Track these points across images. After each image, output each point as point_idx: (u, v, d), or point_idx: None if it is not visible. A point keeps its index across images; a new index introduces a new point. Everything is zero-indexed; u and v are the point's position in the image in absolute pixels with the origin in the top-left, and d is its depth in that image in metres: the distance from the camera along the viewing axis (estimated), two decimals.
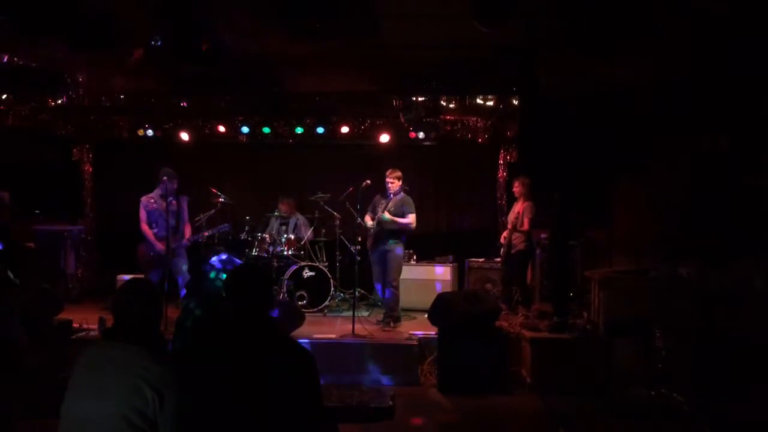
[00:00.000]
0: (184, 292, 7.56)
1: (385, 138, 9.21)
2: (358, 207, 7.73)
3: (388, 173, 7.69)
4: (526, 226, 7.67)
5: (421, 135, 9.01)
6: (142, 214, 7.50)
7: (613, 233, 7.62)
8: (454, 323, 6.50)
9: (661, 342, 5.83)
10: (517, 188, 7.96)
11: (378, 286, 7.90)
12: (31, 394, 4.49)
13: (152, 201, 7.49)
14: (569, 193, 6.94)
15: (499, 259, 8.24)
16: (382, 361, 6.63)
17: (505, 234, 7.94)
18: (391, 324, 7.54)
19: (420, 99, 8.49)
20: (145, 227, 7.50)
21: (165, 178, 7.31)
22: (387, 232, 7.57)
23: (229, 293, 2.74)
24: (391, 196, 7.67)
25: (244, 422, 2.49)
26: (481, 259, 8.81)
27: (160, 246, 7.33)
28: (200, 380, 2.58)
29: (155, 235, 7.43)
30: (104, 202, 10.01)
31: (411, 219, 7.58)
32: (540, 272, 8.23)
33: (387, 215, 7.49)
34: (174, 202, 7.41)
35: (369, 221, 7.77)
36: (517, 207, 7.87)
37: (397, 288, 7.67)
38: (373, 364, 6.62)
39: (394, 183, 7.65)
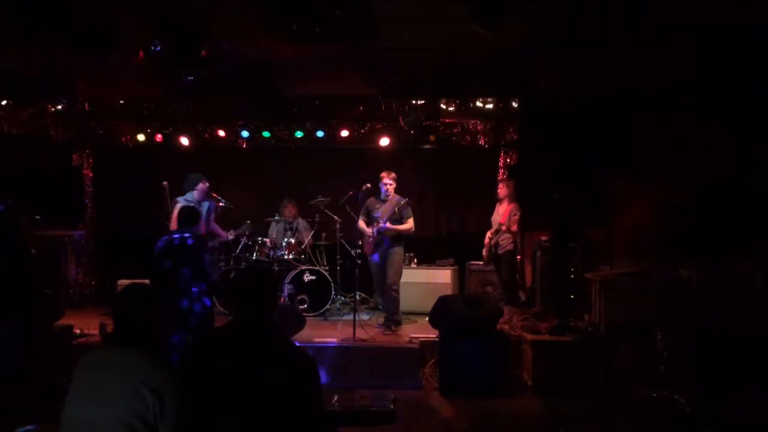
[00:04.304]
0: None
1: (385, 141, 9.20)
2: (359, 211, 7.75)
3: (384, 175, 7.67)
4: (515, 227, 7.70)
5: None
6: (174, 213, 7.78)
7: (614, 235, 7.60)
8: (455, 326, 6.50)
9: (662, 343, 5.83)
10: (502, 190, 7.98)
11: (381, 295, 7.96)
12: (32, 400, 4.50)
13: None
14: (569, 194, 6.94)
15: None
16: (383, 365, 6.63)
17: (489, 234, 7.95)
18: (392, 327, 7.53)
19: (420, 102, 8.49)
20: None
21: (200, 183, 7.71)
22: (389, 235, 7.57)
23: (231, 298, 2.74)
24: (387, 198, 7.66)
25: (246, 426, 2.49)
26: (481, 262, 8.80)
27: None
28: (201, 384, 2.58)
29: None
30: (105, 207, 10.00)
31: (410, 224, 7.59)
32: (540, 274, 8.23)
33: (389, 226, 7.49)
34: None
35: (362, 225, 7.76)
36: (502, 208, 7.89)
37: (397, 291, 7.66)
38: (374, 368, 6.61)
39: (392, 185, 7.64)
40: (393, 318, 7.62)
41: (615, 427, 5.57)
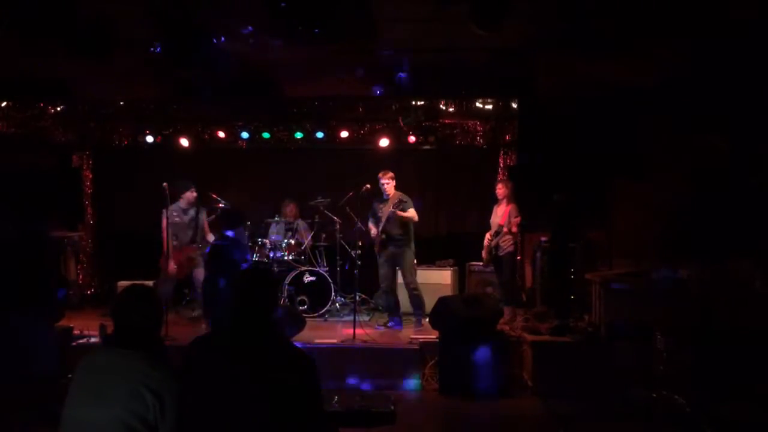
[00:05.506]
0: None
1: (384, 142, 9.21)
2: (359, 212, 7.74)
3: (381, 175, 7.67)
4: (516, 229, 7.60)
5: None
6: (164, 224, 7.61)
7: (613, 235, 7.61)
8: (455, 327, 6.49)
9: (661, 344, 5.83)
10: (500, 190, 7.88)
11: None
12: (32, 400, 4.50)
13: (174, 214, 7.67)
14: (569, 195, 6.94)
15: None
16: (383, 366, 6.63)
17: (488, 236, 7.93)
18: (422, 323, 7.54)
19: (419, 103, 8.49)
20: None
21: (187, 192, 7.75)
22: (395, 234, 7.56)
23: (233, 298, 2.74)
24: (388, 197, 7.67)
25: (246, 427, 2.49)
26: (481, 263, 8.79)
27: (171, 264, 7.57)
28: (201, 385, 2.58)
29: (174, 247, 7.63)
30: (104, 208, 10.00)
31: (413, 212, 7.60)
32: (540, 275, 8.23)
33: (396, 211, 7.49)
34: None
35: (373, 230, 7.75)
36: (501, 209, 7.86)
37: (417, 289, 7.69)
38: (375, 369, 6.61)
39: (389, 184, 7.65)
40: (420, 314, 7.65)
41: (615, 427, 5.56)
